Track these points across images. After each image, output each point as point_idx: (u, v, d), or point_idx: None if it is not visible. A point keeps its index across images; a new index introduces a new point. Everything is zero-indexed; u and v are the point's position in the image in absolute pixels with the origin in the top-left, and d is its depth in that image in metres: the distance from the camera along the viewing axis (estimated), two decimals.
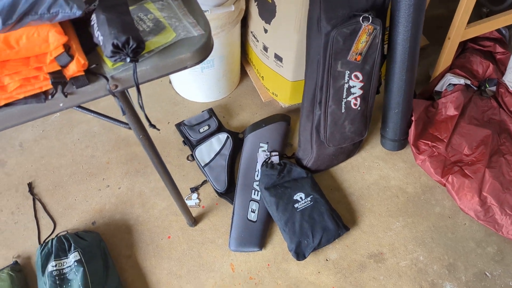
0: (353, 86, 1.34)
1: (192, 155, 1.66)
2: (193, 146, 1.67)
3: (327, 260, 1.44)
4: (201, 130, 1.69)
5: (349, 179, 1.61)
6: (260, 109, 1.79)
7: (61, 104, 0.74)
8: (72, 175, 1.62)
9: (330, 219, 1.43)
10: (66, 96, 0.72)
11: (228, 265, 1.43)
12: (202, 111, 1.74)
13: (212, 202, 1.57)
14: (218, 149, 1.64)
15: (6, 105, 0.70)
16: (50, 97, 0.72)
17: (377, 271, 1.42)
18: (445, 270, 1.42)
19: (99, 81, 0.74)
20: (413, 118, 1.57)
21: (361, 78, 1.33)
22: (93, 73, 0.74)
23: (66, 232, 1.41)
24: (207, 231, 1.50)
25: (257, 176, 1.56)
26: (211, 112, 1.74)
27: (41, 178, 1.62)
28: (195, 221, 1.50)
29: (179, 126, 1.72)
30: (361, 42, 1.24)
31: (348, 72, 1.30)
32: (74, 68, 0.70)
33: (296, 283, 1.39)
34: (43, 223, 1.52)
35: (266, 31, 1.55)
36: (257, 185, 1.54)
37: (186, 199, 1.54)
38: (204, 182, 1.61)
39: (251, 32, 1.68)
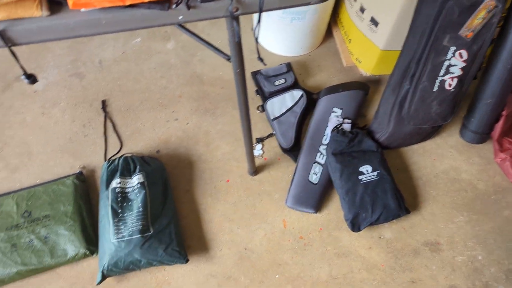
0: (454, 65, 1.25)
1: (262, 106, 1.63)
2: (265, 97, 1.64)
3: (381, 237, 1.40)
4: (277, 83, 1.65)
5: (419, 162, 1.54)
6: (339, 73, 1.73)
7: (180, 17, 0.72)
8: (144, 102, 1.64)
9: (393, 198, 1.39)
10: (188, 8, 0.70)
11: (280, 220, 1.43)
12: (281, 64, 1.70)
13: (275, 156, 1.55)
14: (290, 105, 1.60)
15: (131, 6, 0.69)
16: (174, 6, 0.70)
17: (430, 260, 1.37)
18: (502, 274, 1.36)
19: (222, 0, 0.72)
20: (504, 113, 1.46)
21: (465, 57, 1.23)
22: None
23: (131, 155, 1.44)
24: (265, 183, 1.49)
25: (325, 140, 1.52)
26: (289, 66, 1.69)
27: (115, 98, 1.65)
28: (255, 171, 1.50)
29: (255, 74, 1.69)
30: (478, 18, 1.14)
31: (454, 49, 1.21)
32: None
33: (346, 252, 1.38)
34: (111, 141, 1.56)
35: None
36: (323, 148, 1.50)
37: None
38: (271, 135, 1.59)
39: None
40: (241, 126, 1.20)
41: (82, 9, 0.68)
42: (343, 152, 1.46)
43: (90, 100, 1.64)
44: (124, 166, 1.39)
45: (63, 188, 1.40)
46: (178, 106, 1.64)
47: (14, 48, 0.71)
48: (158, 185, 1.39)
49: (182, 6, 0.70)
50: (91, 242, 1.33)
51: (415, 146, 1.57)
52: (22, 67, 0.72)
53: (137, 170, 1.38)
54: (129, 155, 1.43)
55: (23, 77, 0.74)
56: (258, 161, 1.53)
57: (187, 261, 1.30)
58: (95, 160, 1.51)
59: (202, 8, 0.72)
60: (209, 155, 1.54)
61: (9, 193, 1.40)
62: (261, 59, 0.83)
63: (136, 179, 1.36)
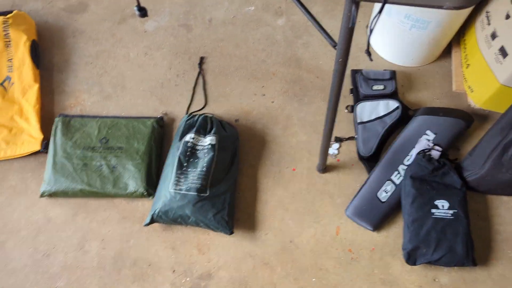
0: None
1: (352, 106, 1.56)
2: (358, 98, 1.56)
3: (435, 280, 1.29)
4: (374, 88, 1.56)
5: (504, 216, 1.38)
6: (444, 97, 1.59)
7: None
8: (239, 69, 1.65)
9: (462, 244, 1.26)
10: None
11: (334, 226, 1.37)
12: (385, 70, 1.60)
13: (349, 160, 1.48)
14: (382, 114, 1.51)
15: None
16: None
17: None
18: None
19: None
20: None
21: None
22: None
23: (212, 115, 1.46)
24: (331, 184, 1.43)
25: (408, 160, 1.41)
26: (393, 74, 1.59)
27: (213, 57, 1.67)
28: (325, 168, 1.44)
29: (355, 72, 1.61)
30: None
31: None
32: None
33: (392, 282, 1.28)
34: (196, 97, 1.59)
35: (508, 17, 1.31)
36: (403, 169, 1.40)
37: None
38: (351, 138, 1.52)
39: (486, 12, 1.44)
40: (325, 119, 1.15)
41: None
42: (423, 179, 1.35)
43: (190, 53, 1.68)
44: (202, 124, 1.41)
45: (142, 127, 1.46)
46: (269, 83, 1.62)
47: None
48: (227, 152, 1.40)
49: None
50: (151, 185, 1.38)
51: (505, 198, 1.41)
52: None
53: (212, 132, 1.39)
54: (210, 115, 1.45)
55: (135, 8, 0.75)
56: (330, 160, 1.47)
57: (231, 233, 1.30)
58: (178, 110, 1.56)
59: None
60: (284, 138, 1.51)
61: (95, 117, 1.49)
62: (368, 53, 0.77)
63: (208, 140, 1.38)
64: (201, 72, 1.64)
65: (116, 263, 1.29)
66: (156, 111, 1.55)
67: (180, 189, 1.29)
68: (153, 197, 1.37)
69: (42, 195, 1.36)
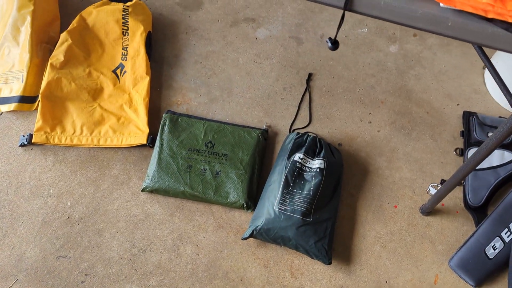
0: None
1: (462, 150, 1.49)
2: (469, 143, 1.49)
3: None
4: (490, 134, 1.48)
5: None
6: None
7: None
8: (346, 91, 1.61)
9: None
10: None
11: (433, 274, 1.31)
12: (502, 117, 1.52)
13: (454, 206, 1.41)
14: (495, 164, 1.44)
15: (489, 19, 0.62)
16: None
17: None
18: None
19: None
20: None
21: None
22: None
23: (319, 137, 1.42)
24: (433, 228, 1.37)
25: None
26: None
27: (321, 75, 1.64)
28: (430, 212, 1.38)
29: (469, 115, 1.54)
30: None
31: None
32: None
33: None
34: (301, 114, 1.56)
35: None
36: None
37: (430, 186, 1.42)
38: (459, 184, 1.45)
39: None
40: (461, 167, 1.09)
41: (441, 4, 0.63)
42: None
43: (298, 67, 1.65)
44: (311, 145, 1.38)
45: (248, 137, 1.44)
46: (377, 111, 1.57)
47: None
48: (333, 178, 1.36)
49: None
50: (252, 198, 1.36)
51: None
52: (336, 34, 0.71)
53: (321, 155, 1.36)
54: (317, 136, 1.42)
55: (327, 40, 0.72)
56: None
57: (330, 263, 1.26)
58: (281, 124, 1.53)
59: None
60: (387, 172, 1.46)
61: (202, 119, 1.49)
62: None
63: (317, 163, 1.34)
64: (308, 89, 1.61)
65: (208, 271, 1.28)
66: (260, 122, 1.53)
67: (285, 210, 1.26)
68: (252, 211, 1.35)
69: (143, 190, 1.37)
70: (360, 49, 1.71)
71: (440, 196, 1.26)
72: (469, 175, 1.43)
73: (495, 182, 1.41)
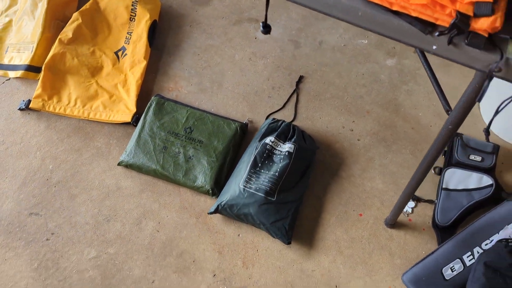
0: None
1: (441, 169, 1.46)
2: (449, 163, 1.46)
3: None
4: (471, 157, 1.45)
5: None
6: None
7: (434, 47, 0.65)
8: (334, 98, 1.62)
9: None
10: (449, 43, 0.63)
11: (386, 286, 1.29)
12: (488, 142, 1.49)
13: (421, 223, 1.39)
14: (471, 187, 1.40)
15: (394, 12, 0.64)
16: (435, 34, 0.63)
17: None
18: None
19: (490, 53, 0.62)
20: None
21: None
22: (492, 42, 0.61)
23: (291, 123, 1.47)
24: (395, 242, 1.35)
25: (486, 245, 1.29)
26: (496, 149, 1.47)
27: (312, 79, 1.66)
28: (393, 224, 1.37)
29: (454, 135, 1.51)
30: None
31: None
32: (485, 24, 0.59)
33: None
34: (285, 112, 1.59)
35: None
36: (478, 252, 1.28)
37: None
38: (430, 201, 1.42)
39: None
40: (412, 177, 1.09)
41: None
42: (497, 269, 1.22)
43: (291, 69, 1.69)
44: (284, 130, 1.43)
45: (226, 128, 1.49)
46: (361, 120, 1.58)
47: None
48: (301, 163, 1.39)
49: (444, 38, 0.62)
50: (218, 186, 1.40)
51: None
52: (266, 16, 0.75)
53: (293, 140, 1.40)
54: (292, 123, 1.46)
55: (261, 24, 0.76)
56: (401, 217, 1.40)
57: (289, 243, 1.30)
58: (263, 121, 1.57)
59: (462, 50, 0.63)
60: (359, 180, 1.46)
61: (186, 105, 1.55)
62: (487, 133, 0.71)
63: (287, 147, 1.38)
64: (296, 90, 1.64)
65: (164, 249, 1.33)
66: (243, 116, 1.58)
67: (250, 187, 1.31)
68: (216, 197, 1.39)
69: (119, 164, 1.44)
70: (356, 59, 1.72)
71: (399, 206, 1.25)
72: (442, 193, 1.40)
73: (467, 205, 1.38)
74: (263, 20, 0.74)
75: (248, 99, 1.62)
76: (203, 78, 1.66)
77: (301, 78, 1.66)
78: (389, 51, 1.75)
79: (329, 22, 1.82)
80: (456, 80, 1.68)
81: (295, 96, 1.62)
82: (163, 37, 1.77)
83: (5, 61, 1.66)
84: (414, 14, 0.63)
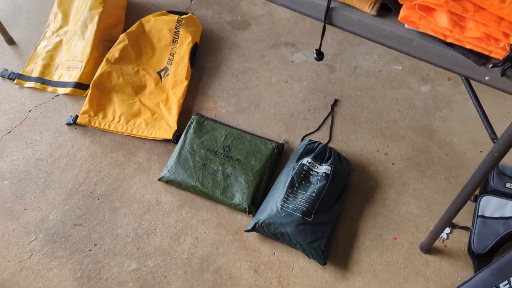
0: None
1: (476, 196, 1.46)
2: (485, 190, 1.47)
3: None
4: (508, 185, 1.45)
5: None
6: None
7: (486, 78, 0.68)
8: (369, 122, 1.65)
9: None
10: (502, 75, 0.66)
11: None
12: None
13: (457, 250, 1.39)
14: (507, 215, 1.40)
15: (448, 44, 0.68)
16: (489, 65, 0.66)
17: None
18: None
19: None
20: None
21: None
22: None
23: (327, 144, 1.51)
24: (430, 268, 1.35)
25: None
26: None
27: (346, 103, 1.70)
28: (429, 250, 1.37)
29: None
30: None
31: None
32: None
33: None
34: (320, 134, 1.62)
35: None
36: None
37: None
38: (466, 228, 1.42)
39: None
40: (452, 203, 1.10)
41: (406, 25, 0.70)
42: None
43: (326, 92, 1.73)
44: (321, 152, 1.46)
45: (263, 148, 1.53)
46: (395, 145, 1.60)
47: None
48: (338, 185, 1.42)
49: (497, 69, 0.65)
50: (255, 204, 1.44)
51: None
52: (320, 44, 0.79)
53: (329, 162, 1.43)
54: (328, 145, 1.51)
55: (315, 51, 0.81)
56: (436, 243, 1.40)
57: (325, 263, 1.32)
58: (299, 142, 1.60)
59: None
60: (394, 204, 1.47)
61: (225, 125, 1.60)
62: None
63: (324, 168, 1.41)
64: (331, 113, 1.67)
65: (202, 264, 1.36)
66: (279, 136, 1.62)
67: (287, 207, 1.34)
68: (253, 215, 1.43)
69: (160, 179, 1.50)
70: (391, 85, 1.75)
71: (436, 232, 1.25)
72: (478, 221, 1.40)
73: (504, 233, 1.37)
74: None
75: (284, 120, 1.66)
76: (241, 99, 1.72)
77: (336, 102, 1.70)
78: (423, 77, 1.78)
79: (363, 48, 1.86)
80: (490, 107, 1.69)
81: (330, 118, 1.66)
82: (203, 59, 1.84)
83: (55, 78, 1.76)
84: (468, 46, 0.67)
